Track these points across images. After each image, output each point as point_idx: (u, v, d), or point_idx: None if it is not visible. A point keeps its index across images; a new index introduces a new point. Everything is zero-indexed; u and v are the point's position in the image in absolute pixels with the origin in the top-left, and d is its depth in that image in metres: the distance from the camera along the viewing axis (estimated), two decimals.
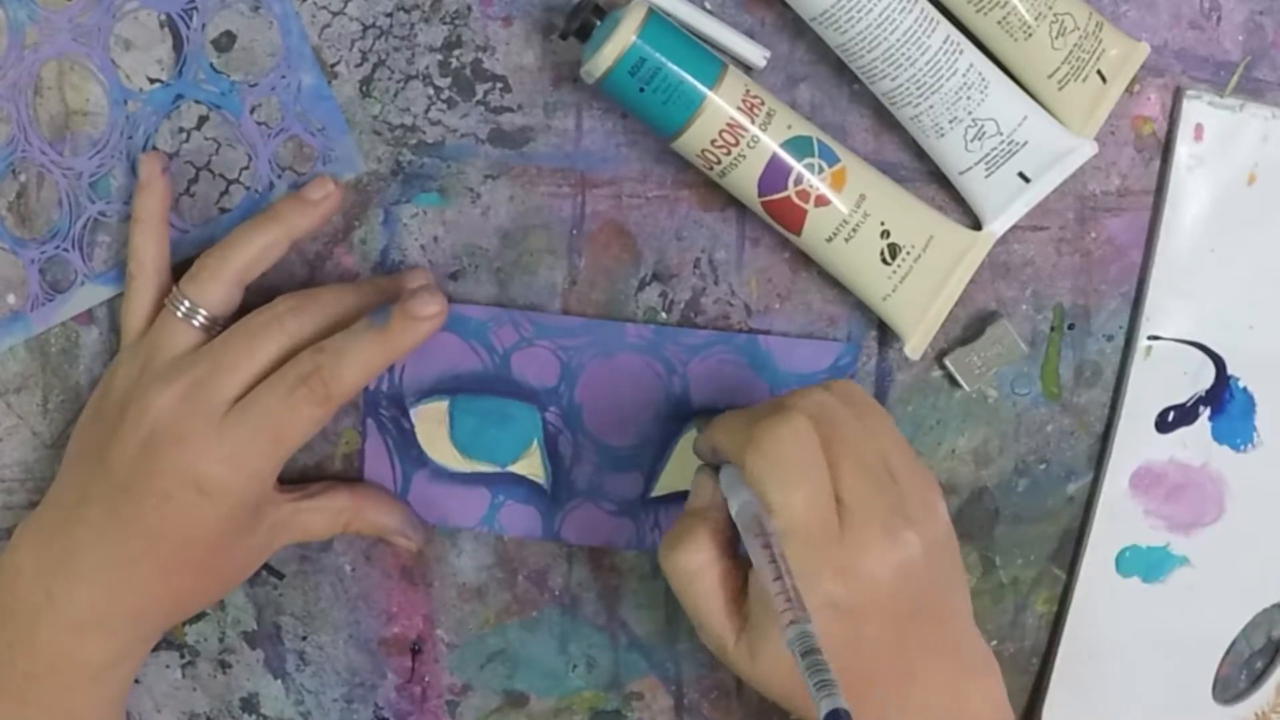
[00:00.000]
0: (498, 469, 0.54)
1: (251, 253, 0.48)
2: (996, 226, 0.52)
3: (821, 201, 0.50)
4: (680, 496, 0.54)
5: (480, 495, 0.55)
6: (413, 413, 0.53)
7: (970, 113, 0.50)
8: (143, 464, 0.46)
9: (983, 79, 0.50)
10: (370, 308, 0.49)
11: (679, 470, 0.54)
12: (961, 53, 0.50)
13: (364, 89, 0.52)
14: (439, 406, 0.53)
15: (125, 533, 0.46)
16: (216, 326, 0.48)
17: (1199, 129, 0.54)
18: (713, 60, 0.48)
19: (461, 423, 0.53)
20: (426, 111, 0.52)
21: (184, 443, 0.45)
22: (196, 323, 0.48)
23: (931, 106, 0.50)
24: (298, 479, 0.54)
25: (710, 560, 0.45)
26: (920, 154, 0.53)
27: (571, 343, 0.53)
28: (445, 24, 0.51)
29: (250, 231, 0.48)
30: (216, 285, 0.48)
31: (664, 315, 0.54)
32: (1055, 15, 0.50)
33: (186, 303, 0.48)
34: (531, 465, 0.54)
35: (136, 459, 0.46)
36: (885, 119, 0.53)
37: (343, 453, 0.55)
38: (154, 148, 0.51)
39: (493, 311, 0.53)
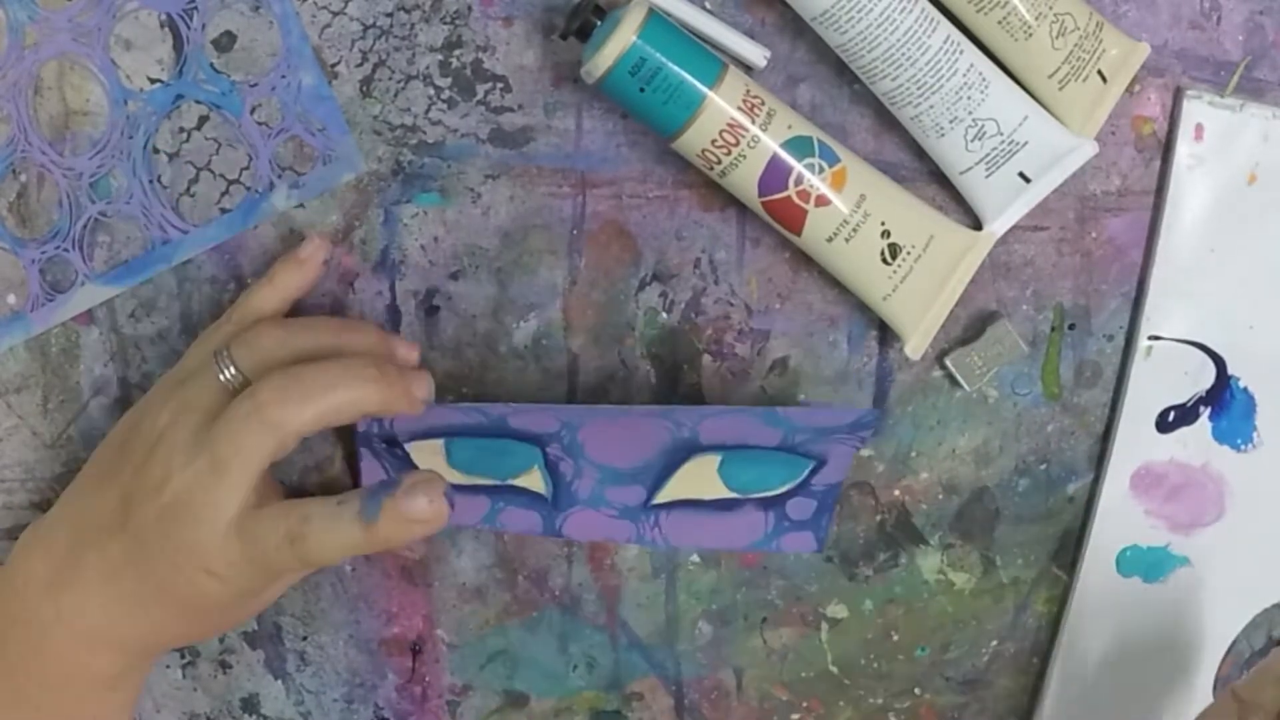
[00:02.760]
0: (498, 482, 0.54)
1: (309, 348, 0.47)
2: (997, 226, 0.52)
3: (822, 201, 0.50)
4: (681, 502, 0.54)
5: (480, 502, 0.54)
6: (408, 447, 0.52)
7: (970, 113, 0.50)
8: (159, 529, 0.45)
9: (983, 79, 0.50)
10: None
11: (682, 483, 0.53)
12: (962, 53, 0.50)
13: (364, 89, 0.51)
14: (434, 444, 0.52)
15: (138, 578, 0.46)
16: None
17: (1199, 129, 0.54)
18: (713, 60, 0.48)
19: (460, 456, 0.53)
20: (427, 111, 0.52)
21: (198, 527, 0.45)
22: (233, 387, 0.47)
23: (932, 106, 0.50)
24: (298, 480, 0.54)
25: None
26: (920, 154, 0.53)
27: (569, 414, 0.52)
28: (445, 24, 0.51)
29: (315, 329, 0.48)
30: (268, 364, 0.47)
31: (664, 315, 0.54)
32: (1055, 15, 0.50)
33: (232, 369, 0.47)
34: (532, 480, 0.53)
35: (155, 524, 0.45)
36: (885, 119, 0.53)
37: (342, 454, 0.55)
38: (318, 235, 0.51)
39: (482, 406, 0.51)
